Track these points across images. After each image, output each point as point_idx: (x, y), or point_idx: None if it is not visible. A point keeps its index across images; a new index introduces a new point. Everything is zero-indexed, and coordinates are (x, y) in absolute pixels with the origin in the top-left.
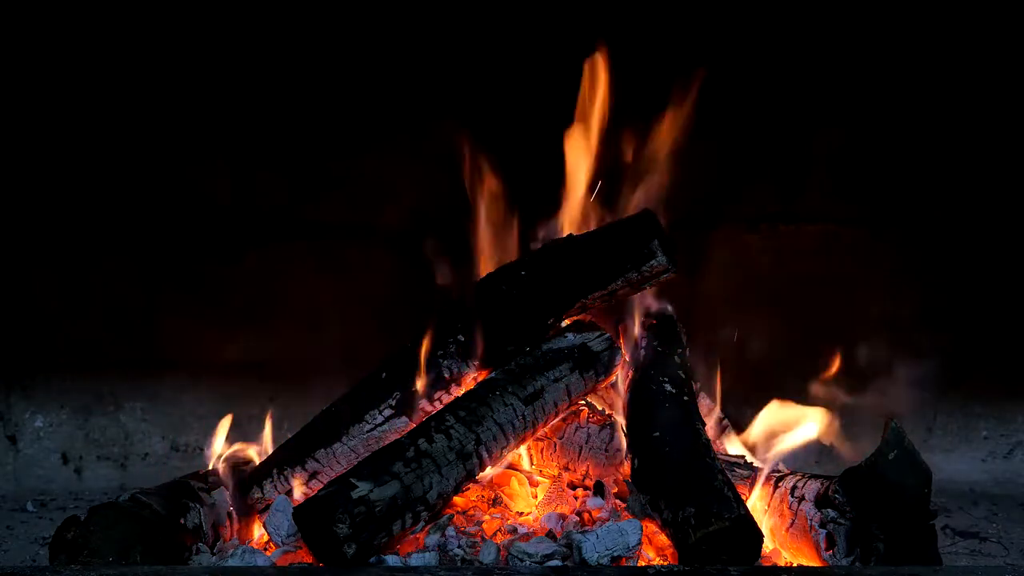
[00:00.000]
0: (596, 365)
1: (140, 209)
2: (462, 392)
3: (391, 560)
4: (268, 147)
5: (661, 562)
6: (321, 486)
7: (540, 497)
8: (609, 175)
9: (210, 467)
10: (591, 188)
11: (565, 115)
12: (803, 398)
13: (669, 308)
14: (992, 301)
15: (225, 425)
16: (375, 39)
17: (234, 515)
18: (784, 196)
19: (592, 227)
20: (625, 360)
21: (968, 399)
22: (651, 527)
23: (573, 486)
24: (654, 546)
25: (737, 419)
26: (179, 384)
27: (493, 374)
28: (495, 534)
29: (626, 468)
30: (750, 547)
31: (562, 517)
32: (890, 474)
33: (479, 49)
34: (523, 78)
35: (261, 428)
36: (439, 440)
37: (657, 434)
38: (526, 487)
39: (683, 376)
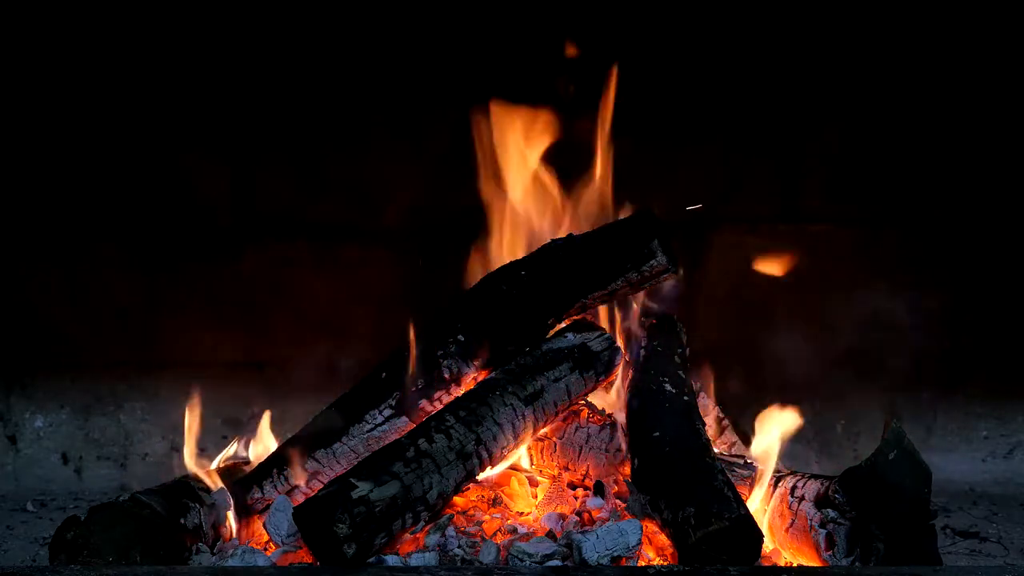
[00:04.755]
0: (596, 365)
1: (140, 209)
2: (462, 392)
3: (391, 560)
4: (268, 146)
5: (661, 562)
6: (321, 486)
7: (540, 497)
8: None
9: (212, 468)
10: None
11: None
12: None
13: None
14: (992, 301)
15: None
16: (376, 38)
17: (234, 515)
18: (784, 196)
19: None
20: (625, 360)
21: (968, 399)
22: (651, 527)
23: (573, 486)
24: (654, 546)
25: (737, 419)
26: (179, 384)
27: (493, 374)
28: (495, 534)
29: (626, 468)
30: (750, 547)
31: (562, 517)
32: (890, 474)
33: (483, 42)
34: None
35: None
36: (439, 440)
37: (657, 434)
38: (526, 487)
39: (683, 376)
